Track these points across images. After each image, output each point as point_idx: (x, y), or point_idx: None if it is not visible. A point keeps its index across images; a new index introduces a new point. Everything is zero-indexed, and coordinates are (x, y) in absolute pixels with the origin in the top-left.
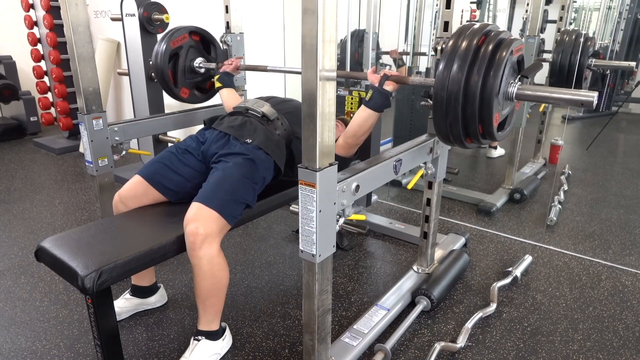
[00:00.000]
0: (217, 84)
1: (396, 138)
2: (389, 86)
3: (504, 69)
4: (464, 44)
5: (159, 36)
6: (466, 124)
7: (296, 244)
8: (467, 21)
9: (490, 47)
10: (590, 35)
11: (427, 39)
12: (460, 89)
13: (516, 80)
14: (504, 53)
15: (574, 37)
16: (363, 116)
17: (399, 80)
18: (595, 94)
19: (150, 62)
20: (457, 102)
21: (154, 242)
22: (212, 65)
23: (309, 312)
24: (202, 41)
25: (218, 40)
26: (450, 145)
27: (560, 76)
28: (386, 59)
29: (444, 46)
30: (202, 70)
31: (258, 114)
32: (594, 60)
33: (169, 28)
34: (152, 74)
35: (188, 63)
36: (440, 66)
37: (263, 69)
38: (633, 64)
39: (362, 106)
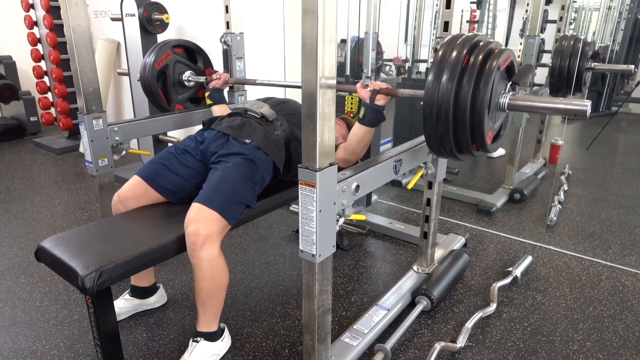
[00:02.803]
0: (209, 101)
1: (396, 138)
2: (380, 100)
3: (493, 83)
4: (452, 57)
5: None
6: (458, 142)
7: (296, 244)
8: (467, 21)
9: (479, 59)
10: (590, 34)
11: (427, 39)
12: (450, 109)
13: (507, 90)
14: (493, 64)
15: (572, 42)
16: (360, 133)
17: (389, 93)
18: (589, 103)
19: (138, 80)
20: (448, 119)
21: (154, 242)
22: (201, 78)
23: (309, 312)
24: (186, 52)
25: (219, 40)
26: (444, 158)
27: (560, 80)
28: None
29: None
30: (192, 84)
31: (257, 115)
32: (593, 63)
33: (166, 30)
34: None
35: (177, 77)
36: (430, 77)
37: (252, 82)
38: (632, 67)
39: (357, 124)
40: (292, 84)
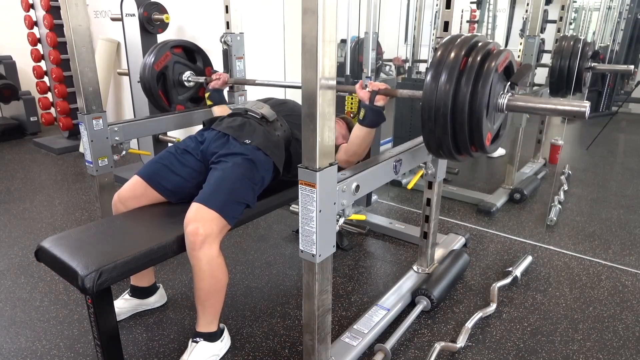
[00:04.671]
0: (209, 102)
1: (396, 138)
2: (379, 101)
3: (491, 84)
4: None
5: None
6: (457, 144)
7: (296, 244)
8: (467, 21)
9: (477, 60)
10: (590, 34)
11: (427, 39)
12: (448, 111)
13: (506, 90)
14: (491, 65)
15: (572, 42)
16: (361, 135)
17: (388, 93)
18: (588, 104)
19: (138, 82)
20: (446, 121)
21: (154, 242)
22: (201, 79)
23: (309, 312)
24: (185, 52)
25: (219, 40)
26: (442, 159)
27: (560, 81)
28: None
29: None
30: (192, 84)
31: (257, 116)
32: (593, 63)
33: (166, 30)
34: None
35: (177, 78)
36: (427, 79)
37: (252, 82)
38: (631, 67)
39: (357, 125)
40: (292, 84)
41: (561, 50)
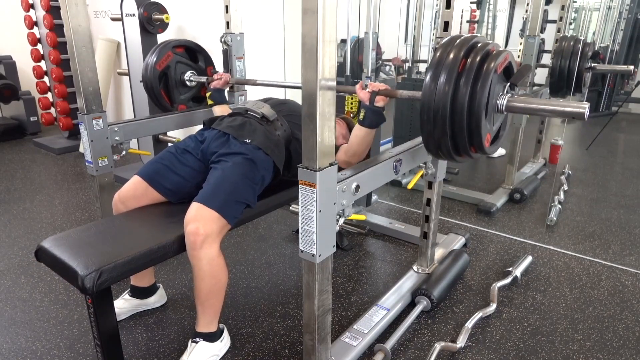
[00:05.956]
0: (209, 102)
1: (396, 138)
2: (379, 102)
3: (490, 85)
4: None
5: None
6: (456, 145)
7: (296, 244)
8: (467, 21)
9: (476, 62)
10: (590, 34)
11: (427, 39)
12: (447, 112)
13: (505, 90)
14: (490, 66)
15: (572, 43)
16: (360, 135)
17: (388, 94)
18: (587, 105)
19: (140, 81)
20: (445, 122)
21: (154, 242)
22: (202, 78)
23: (309, 312)
24: (187, 51)
25: (219, 40)
26: (441, 160)
27: (560, 81)
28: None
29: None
30: (194, 84)
31: (257, 115)
32: (593, 63)
33: (166, 30)
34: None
35: (178, 77)
36: (426, 80)
37: (253, 82)
38: (631, 67)
39: (357, 126)
40: (292, 84)
41: (561, 51)
